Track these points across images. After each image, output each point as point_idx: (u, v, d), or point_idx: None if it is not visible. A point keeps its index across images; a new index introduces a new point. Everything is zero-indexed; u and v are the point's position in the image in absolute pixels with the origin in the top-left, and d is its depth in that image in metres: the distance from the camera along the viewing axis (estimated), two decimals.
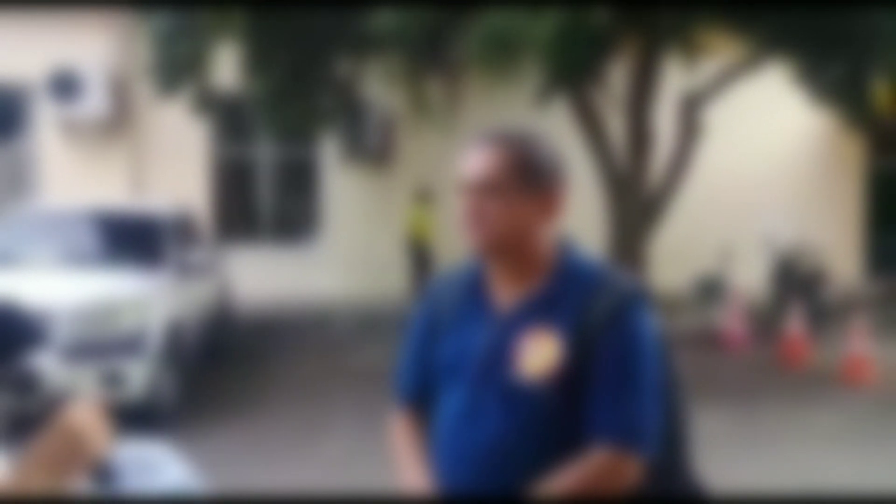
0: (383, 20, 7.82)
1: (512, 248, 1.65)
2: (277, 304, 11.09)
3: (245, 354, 8.76)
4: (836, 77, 8.51)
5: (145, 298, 6.30)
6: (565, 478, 1.54)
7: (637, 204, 9.13)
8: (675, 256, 11.06)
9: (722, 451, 5.26)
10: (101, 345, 5.82)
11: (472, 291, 1.72)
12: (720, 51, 9.26)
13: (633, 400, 1.57)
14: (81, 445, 1.21)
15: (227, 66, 9.61)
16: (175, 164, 12.03)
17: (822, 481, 4.86)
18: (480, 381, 1.63)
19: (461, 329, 1.70)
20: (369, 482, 4.56)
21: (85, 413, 1.24)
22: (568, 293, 1.63)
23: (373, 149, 12.02)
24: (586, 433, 1.57)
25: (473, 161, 1.66)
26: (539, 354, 1.59)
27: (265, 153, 12.59)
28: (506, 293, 1.68)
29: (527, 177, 1.64)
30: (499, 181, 1.62)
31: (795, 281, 10.40)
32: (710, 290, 11.40)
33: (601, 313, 1.59)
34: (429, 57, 8.98)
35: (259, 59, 9.14)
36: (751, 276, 11.29)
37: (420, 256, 11.48)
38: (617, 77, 9.13)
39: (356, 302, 11.26)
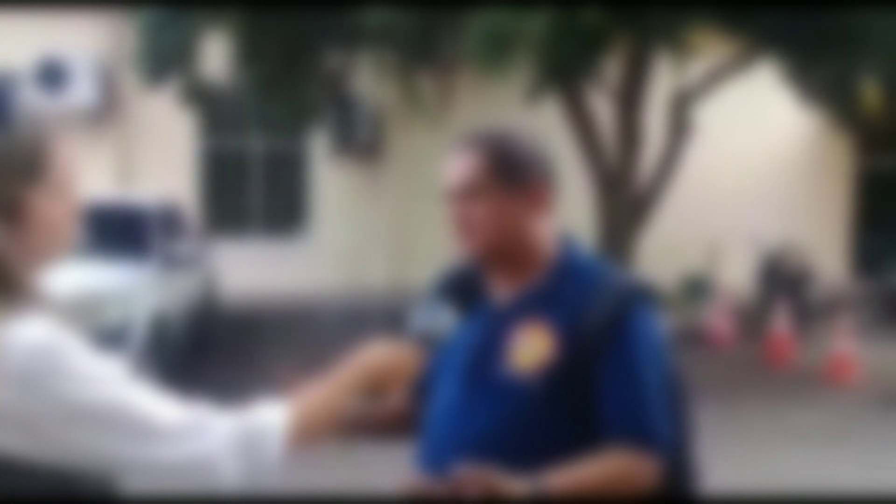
0: (375, 14, 7.79)
1: (505, 249, 1.65)
2: (264, 298, 11.05)
3: (230, 348, 8.73)
4: (824, 77, 8.54)
5: (130, 291, 6.26)
6: (582, 470, 1.49)
7: (626, 201, 9.14)
8: (663, 254, 11.08)
9: (705, 448, 5.25)
10: (84, 337, 5.77)
11: (469, 287, 1.73)
12: (710, 50, 9.27)
13: (646, 399, 1.56)
14: (388, 376, 1.40)
15: (216, 58, 9.55)
16: (163, 156, 11.96)
17: (804, 480, 4.88)
18: (472, 374, 1.62)
19: (457, 324, 1.71)
20: (356, 475, 4.55)
21: (390, 350, 1.43)
22: (566, 289, 1.62)
23: (362, 143, 11.99)
24: (598, 434, 1.54)
25: (453, 167, 1.66)
26: (530, 348, 1.58)
27: (254, 146, 12.53)
28: (503, 289, 1.68)
29: (507, 175, 1.63)
30: (478, 184, 1.62)
31: (782, 280, 10.45)
32: (697, 287, 11.44)
33: (603, 311, 1.57)
34: (420, 52, 8.95)
35: (249, 50, 9.08)
36: (737, 275, 11.33)
37: None
38: (608, 75, 9.14)
39: (343, 296, 11.24)
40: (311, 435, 1.29)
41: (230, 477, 1.18)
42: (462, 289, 1.70)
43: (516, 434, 1.56)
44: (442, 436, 1.64)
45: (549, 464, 1.49)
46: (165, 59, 8.99)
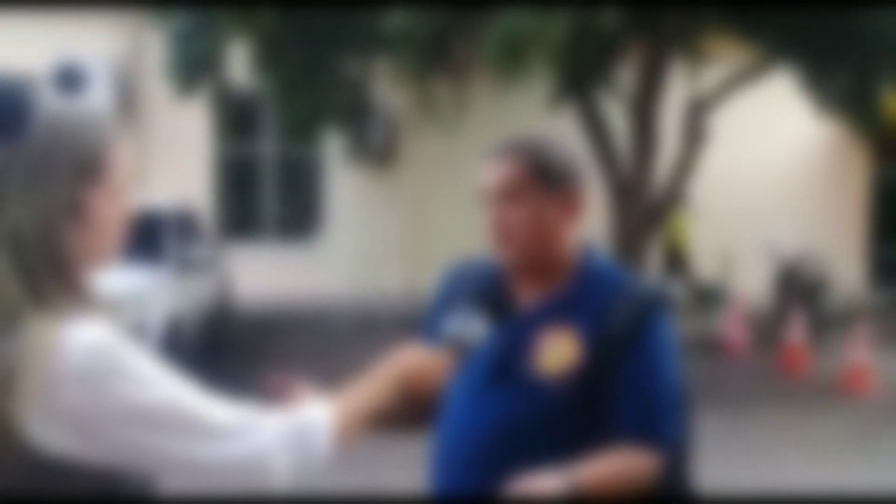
0: (392, 20, 7.81)
1: (538, 254, 1.69)
2: (278, 302, 11.08)
3: (245, 352, 8.75)
4: (842, 85, 8.48)
5: (145, 294, 6.29)
6: (599, 467, 1.55)
7: (641, 208, 9.11)
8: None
9: (720, 457, 5.23)
10: None
11: (491, 288, 1.75)
12: (727, 56, 9.23)
13: (658, 400, 1.63)
14: (420, 381, 1.40)
15: (236, 64, 9.61)
16: (179, 160, 12.02)
17: (819, 490, 4.83)
18: (495, 375, 1.66)
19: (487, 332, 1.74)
20: (368, 479, 4.54)
21: (423, 356, 1.43)
22: (590, 296, 1.67)
23: (378, 149, 12.01)
24: (609, 432, 1.61)
25: (491, 171, 1.69)
26: (557, 354, 1.63)
27: (269, 151, 12.58)
28: (527, 293, 1.72)
29: (545, 180, 1.67)
30: (516, 188, 1.66)
31: (797, 289, 10.37)
32: (712, 296, 11.37)
33: (625, 317, 1.64)
34: (436, 58, 8.96)
35: (270, 56, 9.13)
36: (753, 283, 11.26)
37: (674, 260, 12.03)
38: (623, 81, 9.12)
39: (356, 301, 11.25)
40: (354, 433, 1.32)
41: (281, 474, 1.20)
42: (491, 295, 1.74)
43: (533, 430, 1.61)
44: (459, 431, 1.68)
45: (560, 459, 1.54)
46: (196, 68, 9.08)
